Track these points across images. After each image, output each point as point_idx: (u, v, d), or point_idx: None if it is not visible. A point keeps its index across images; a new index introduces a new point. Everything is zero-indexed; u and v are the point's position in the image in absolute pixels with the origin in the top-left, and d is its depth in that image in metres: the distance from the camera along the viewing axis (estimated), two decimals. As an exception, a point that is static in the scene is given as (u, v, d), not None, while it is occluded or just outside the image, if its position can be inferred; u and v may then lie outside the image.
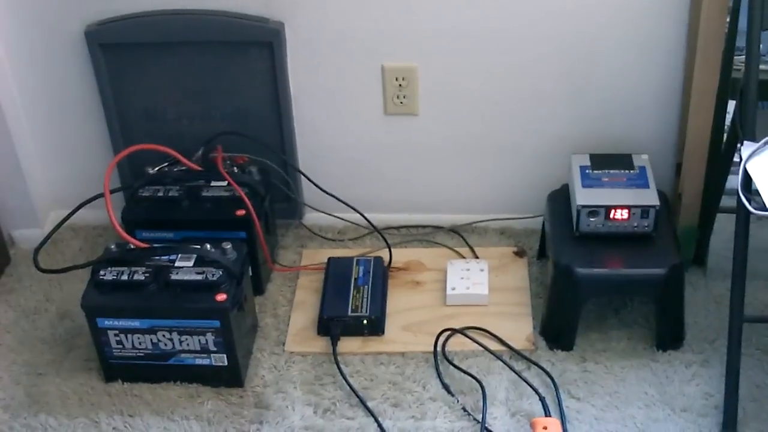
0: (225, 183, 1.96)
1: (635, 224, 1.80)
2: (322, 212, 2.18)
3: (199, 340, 1.76)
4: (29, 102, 2.11)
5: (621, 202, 1.80)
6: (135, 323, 1.75)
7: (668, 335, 1.83)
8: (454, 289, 1.96)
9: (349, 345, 1.88)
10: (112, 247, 1.81)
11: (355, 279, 1.98)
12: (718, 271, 1.95)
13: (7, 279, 2.13)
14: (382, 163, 2.13)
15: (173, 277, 1.75)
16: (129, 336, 1.77)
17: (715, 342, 1.83)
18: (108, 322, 1.76)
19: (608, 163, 1.89)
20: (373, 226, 2.12)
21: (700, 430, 1.67)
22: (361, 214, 2.11)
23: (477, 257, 2.07)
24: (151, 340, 1.77)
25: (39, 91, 2.09)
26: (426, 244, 2.15)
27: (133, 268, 1.77)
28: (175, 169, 2.01)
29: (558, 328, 1.85)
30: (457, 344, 1.87)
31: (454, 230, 2.17)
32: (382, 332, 1.91)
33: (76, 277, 1.96)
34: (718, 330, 1.84)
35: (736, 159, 1.78)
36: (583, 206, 1.80)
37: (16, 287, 2.10)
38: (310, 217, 2.21)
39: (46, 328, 1.98)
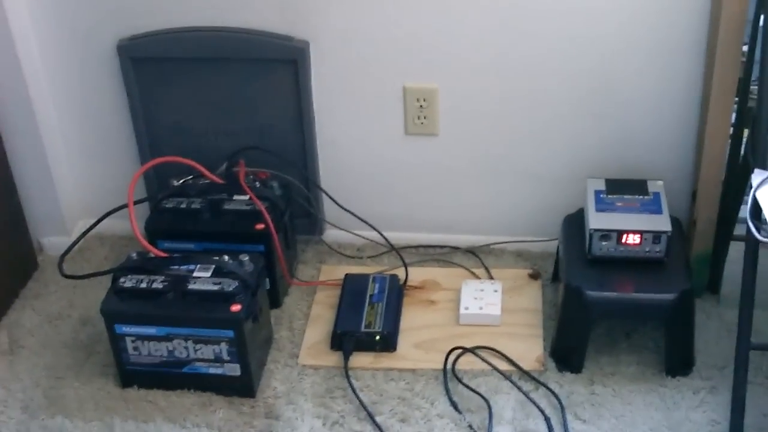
0: (246, 197, 1.99)
1: (647, 249, 1.81)
2: (342, 229, 2.21)
3: (214, 350, 1.79)
4: (62, 112, 2.16)
5: (633, 227, 1.80)
6: (152, 330, 1.79)
7: (677, 361, 1.83)
8: (467, 308, 1.98)
9: (361, 360, 1.90)
10: (133, 255, 1.85)
11: (370, 295, 2.00)
12: (732, 299, 1.93)
13: (34, 284, 2.18)
14: (401, 183, 2.15)
15: (190, 286, 1.78)
16: (145, 343, 1.80)
17: (724, 369, 1.82)
18: (126, 329, 1.80)
19: (623, 188, 1.90)
20: (390, 244, 2.15)
21: (704, 457, 1.68)
22: (380, 233, 2.13)
23: (492, 278, 2.09)
24: (167, 347, 1.80)
25: (72, 102, 2.15)
26: (442, 264, 2.17)
27: (152, 277, 1.80)
28: (199, 182, 2.04)
29: (567, 350, 1.86)
30: (467, 363, 1.88)
31: (471, 251, 2.18)
32: (394, 348, 1.92)
33: (100, 285, 1.98)
34: (728, 357, 1.81)
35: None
36: (596, 230, 1.81)
37: (42, 292, 2.15)
38: (330, 234, 2.24)
39: (68, 332, 2.03)
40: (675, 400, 1.77)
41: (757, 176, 1.57)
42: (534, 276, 2.09)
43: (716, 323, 1.94)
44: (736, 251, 1.91)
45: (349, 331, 1.92)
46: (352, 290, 2.02)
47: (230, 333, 1.77)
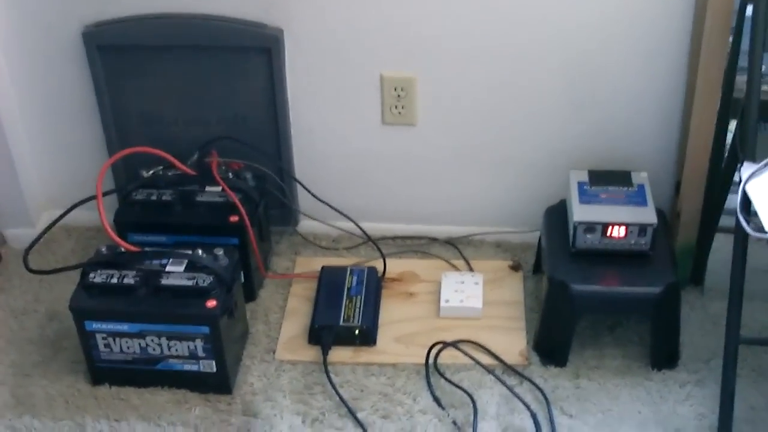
0: (219, 188, 1.95)
1: (632, 242, 1.79)
2: (317, 220, 2.17)
3: (188, 346, 1.74)
4: (25, 101, 2.10)
5: (618, 220, 1.78)
6: (123, 327, 1.74)
7: (663, 354, 1.81)
8: (447, 301, 1.94)
9: (340, 355, 1.86)
10: (103, 249, 1.80)
11: (348, 288, 1.96)
12: (716, 291, 1.93)
13: (-3, 278, 2.13)
14: (378, 173, 2.12)
15: (163, 281, 1.74)
16: (117, 340, 1.75)
17: (710, 362, 1.81)
18: (96, 325, 1.74)
19: (607, 179, 1.88)
20: (367, 235, 2.11)
21: (692, 452, 1.66)
22: (356, 224, 2.09)
23: (472, 270, 2.06)
24: (140, 344, 1.75)
25: (35, 90, 2.08)
26: (421, 256, 2.13)
27: (123, 272, 1.76)
28: (170, 173, 1.99)
29: (552, 343, 1.84)
30: (449, 357, 1.85)
31: (450, 242, 2.15)
32: (374, 343, 1.89)
33: (67, 278, 1.93)
34: (714, 350, 1.82)
35: (736, 179, 1.78)
36: (580, 222, 1.79)
37: (5, 287, 2.09)
38: (305, 225, 2.20)
39: (35, 328, 1.97)
40: (662, 394, 1.76)
41: (746, 169, 1.56)
42: (515, 267, 2.07)
43: (701, 315, 1.92)
44: (718, 242, 1.91)
45: (328, 325, 1.88)
46: (330, 283, 1.99)
47: (206, 329, 1.72)
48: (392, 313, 1.96)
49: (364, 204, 2.14)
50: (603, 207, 1.82)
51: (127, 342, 1.75)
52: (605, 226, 1.78)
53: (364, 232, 2.11)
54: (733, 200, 1.59)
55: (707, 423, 1.69)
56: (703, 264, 1.96)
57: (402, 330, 1.92)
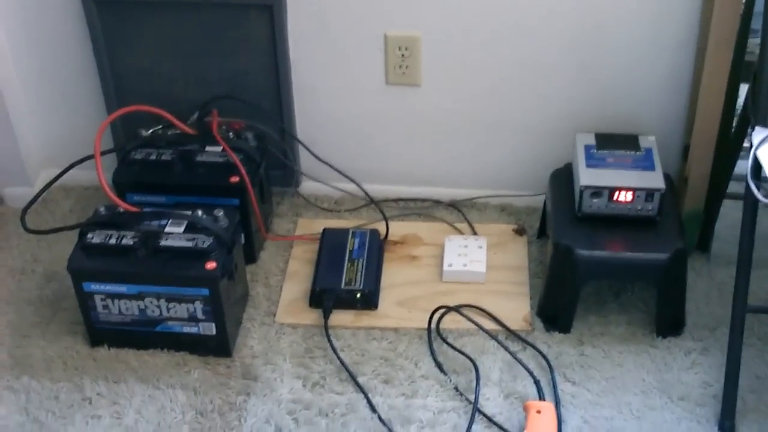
0: (220, 148, 1.92)
1: (639, 207, 1.76)
2: (319, 181, 2.14)
3: (188, 308, 1.72)
4: (21, 58, 2.07)
5: (625, 184, 1.75)
6: (122, 288, 1.72)
7: (668, 321, 1.79)
8: (450, 265, 1.92)
9: (341, 318, 1.85)
10: (102, 209, 1.78)
11: (350, 251, 1.93)
12: (722, 258, 1.91)
13: (-5, 238, 2.11)
14: (381, 134, 2.09)
15: (162, 243, 1.72)
16: (116, 301, 1.74)
17: (716, 330, 1.79)
18: (94, 287, 1.73)
19: (614, 143, 1.85)
20: (370, 197, 2.08)
21: (697, 420, 1.64)
22: (358, 185, 2.07)
23: (476, 233, 2.03)
24: (139, 306, 1.74)
25: (32, 47, 2.05)
26: (424, 218, 2.11)
27: (122, 232, 1.74)
28: (169, 132, 1.96)
29: (556, 309, 1.81)
30: (452, 322, 1.83)
31: (454, 205, 2.13)
32: (376, 306, 1.87)
33: (66, 238, 1.92)
34: (720, 318, 1.80)
35: (746, 144, 1.75)
36: (587, 187, 1.76)
37: (3, 246, 2.07)
38: (307, 186, 2.17)
39: (33, 289, 1.95)
40: (666, 362, 1.74)
41: (757, 134, 1.53)
42: (519, 232, 2.04)
43: (707, 282, 1.90)
44: (726, 209, 1.88)
45: (329, 288, 1.86)
46: (331, 245, 1.96)
47: (205, 291, 1.70)
48: (394, 277, 1.94)
49: (367, 165, 2.12)
50: (610, 171, 1.79)
51: (125, 303, 1.73)
52: (612, 190, 1.75)
53: (367, 193, 2.08)
54: (743, 165, 1.56)
55: (712, 391, 1.68)
56: (710, 230, 1.93)
57: (404, 294, 1.90)
